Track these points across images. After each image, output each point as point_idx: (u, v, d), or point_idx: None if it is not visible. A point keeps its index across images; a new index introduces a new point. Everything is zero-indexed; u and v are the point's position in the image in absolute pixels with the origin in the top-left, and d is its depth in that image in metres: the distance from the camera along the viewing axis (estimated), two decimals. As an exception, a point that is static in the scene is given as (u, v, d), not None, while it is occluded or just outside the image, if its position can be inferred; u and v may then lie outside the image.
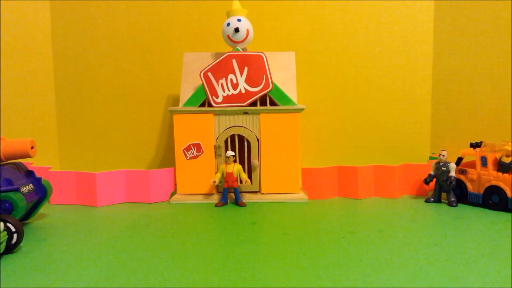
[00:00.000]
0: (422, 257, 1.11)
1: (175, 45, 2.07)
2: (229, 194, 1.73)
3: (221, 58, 1.75)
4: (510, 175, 1.55)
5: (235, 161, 1.74)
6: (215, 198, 1.75)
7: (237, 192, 1.70)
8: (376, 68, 2.03)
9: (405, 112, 2.05)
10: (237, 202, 1.68)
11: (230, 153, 1.68)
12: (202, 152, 1.75)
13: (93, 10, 2.07)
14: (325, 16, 2.03)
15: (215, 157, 1.76)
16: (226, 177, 1.69)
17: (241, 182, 1.71)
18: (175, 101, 2.08)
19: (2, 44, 1.98)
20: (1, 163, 1.41)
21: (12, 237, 1.18)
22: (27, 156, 1.43)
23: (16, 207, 1.32)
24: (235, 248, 1.20)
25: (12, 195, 1.32)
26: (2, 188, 1.31)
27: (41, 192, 1.49)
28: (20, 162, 1.49)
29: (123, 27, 2.08)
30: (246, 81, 1.74)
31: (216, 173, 1.73)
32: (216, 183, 1.69)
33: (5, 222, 1.17)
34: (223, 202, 1.69)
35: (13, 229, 1.18)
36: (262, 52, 1.75)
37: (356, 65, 2.04)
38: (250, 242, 1.25)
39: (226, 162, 1.70)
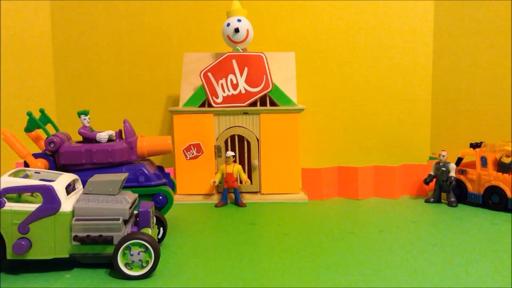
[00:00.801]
0: (422, 257, 1.11)
1: (175, 45, 2.07)
2: (229, 194, 1.73)
3: (221, 58, 1.75)
4: (510, 175, 1.55)
5: (235, 161, 1.74)
6: (215, 198, 1.75)
7: (237, 193, 1.70)
8: (376, 68, 2.03)
9: (405, 112, 2.04)
10: (237, 203, 1.68)
11: (230, 153, 1.68)
12: (202, 152, 1.75)
13: (93, 10, 2.07)
14: (325, 16, 2.03)
15: (215, 157, 1.76)
16: (226, 178, 1.69)
17: (241, 182, 1.71)
18: (175, 101, 2.08)
19: (2, 44, 1.98)
20: (137, 160, 1.41)
21: (159, 232, 1.22)
22: (168, 152, 1.43)
23: (170, 199, 1.33)
24: (235, 248, 1.20)
25: (164, 188, 1.33)
26: (154, 183, 1.31)
27: (171, 187, 1.48)
28: (149, 158, 1.47)
29: (123, 27, 2.08)
30: (246, 82, 1.74)
31: (216, 173, 1.73)
32: (216, 184, 1.69)
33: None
34: (223, 202, 1.69)
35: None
36: (262, 52, 1.75)
37: (356, 65, 2.04)
38: (250, 242, 1.25)
39: (226, 163, 1.69)
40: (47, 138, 1.28)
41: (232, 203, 1.72)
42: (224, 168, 1.69)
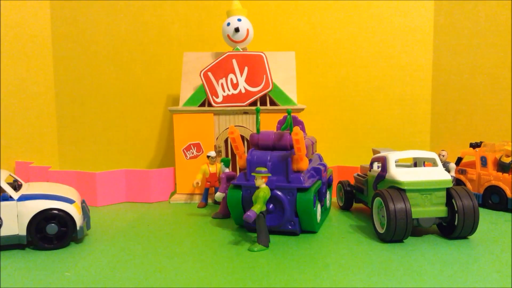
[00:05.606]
0: (422, 257, 1.11)
1: (175, 45, 2.07)
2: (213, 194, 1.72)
3: (221, 58, 1.75)
4: (510, 175, 1.55)
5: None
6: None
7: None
8: (376, 68, 2.03)
9: (405, 112, 2.05)
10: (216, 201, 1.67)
11: (212, 153, 1.67)
12: (202, 152, 1.75)
13: (93, 10, 2.07)
14: (325, 16, 2.03)
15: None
16: (209, 178, 1.68)
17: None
18: (175, 101, 2.08)
19: (2, 44, 1.98)
20: None
21: None
22: None
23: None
24: (234, 248, 1.20)
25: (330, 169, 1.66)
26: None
27: None
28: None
29: (123, 27, 2.08)
30: (246, 81, 1.74)
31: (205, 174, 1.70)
32: (199, 185, 1.67)
33: None
34: (204, 202, 1.67)
35: None
36: (262, 52, 1.75)
37: (356, 65, 2.04)
38: (249, 242, 1.25)
39: (210, 162, 1.68)
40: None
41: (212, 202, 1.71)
42: (206, 168, 1.68)
